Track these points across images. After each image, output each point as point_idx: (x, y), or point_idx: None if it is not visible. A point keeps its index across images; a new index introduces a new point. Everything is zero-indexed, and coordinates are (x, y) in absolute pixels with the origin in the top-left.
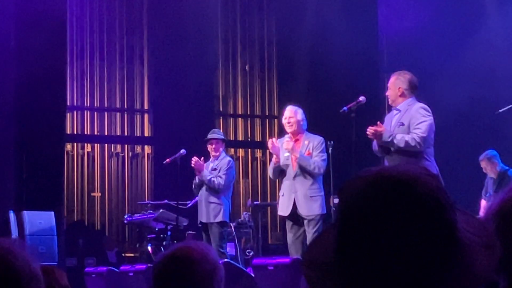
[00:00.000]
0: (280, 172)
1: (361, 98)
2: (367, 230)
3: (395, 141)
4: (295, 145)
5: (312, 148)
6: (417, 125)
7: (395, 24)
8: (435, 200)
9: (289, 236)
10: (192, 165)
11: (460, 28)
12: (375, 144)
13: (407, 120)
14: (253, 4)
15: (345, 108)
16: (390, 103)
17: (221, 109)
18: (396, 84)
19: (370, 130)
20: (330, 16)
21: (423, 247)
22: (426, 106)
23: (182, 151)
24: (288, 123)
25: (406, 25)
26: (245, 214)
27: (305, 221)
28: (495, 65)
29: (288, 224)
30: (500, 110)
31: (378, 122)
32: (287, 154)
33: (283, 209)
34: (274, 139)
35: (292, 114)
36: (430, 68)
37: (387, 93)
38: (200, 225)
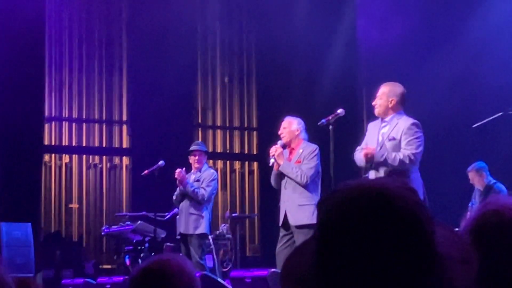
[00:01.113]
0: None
1: (340, 111)
2: (345, 244)
3: (389, 161)
4: (282, 152)
5: (303, 157)
6: (409, 142)
7: (373, 36)
8: (413, 214)
9: (278, 245)
10: (176, 176)
11: (440, 40)
12: (358, 157)
13: (398, 134)
14: (233, 16)
15: (323, 120)
16: (377, 113)
17: (200, 120)
18: (389, 95)
19: (365, 152)
20: (309, 29)
21: (401, 261)
22: (417, 122)
23: (161, 162)
24: (281, 133)
25: (384, 37)
26: (223, 226)
27: (294, 231)
28: (475, 76)
29: (281, 233)
30: (476, 124)
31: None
32: (272, 160)
33: (279, 219)
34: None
35: (286, 125)
36: (409, 80)
37: (376, 103)
38: (179, 237)
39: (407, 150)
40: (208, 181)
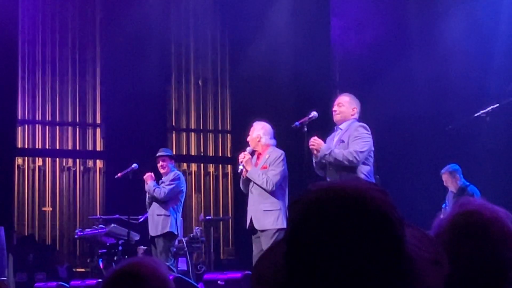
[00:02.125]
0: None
1: (313, 114)
2: (315, 246)
3: (332, 154)
4: (250, 159)
5: (269, 162)
6: (354, 141)
7: (347, 38)
8: (383, 216)
9: (254, 250)
10: (144, 178)
11: (413, 42)
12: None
13: (346, 137)
14: (206, 18)
15: (297, 123)
16: (337, 119)
17: (173, 123)
18: (352, 104)
19: (311, 142)
20: (284, 31)
21: (371, 262)
22: (365, 125)
23: (134, 165)
24: (248, 140)
25: (359, 39)
26: (197, 229)
27: (260, 234)
28: (448, 78)
29: (253, 236)
30: (450, 126)
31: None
32: (241, 167)
33: (246, 223)
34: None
35: (251, 131)
36: (383, 82)
37: (338, 109)
38: (150, 239)
39: (352, 148)
40: (169, 181)
